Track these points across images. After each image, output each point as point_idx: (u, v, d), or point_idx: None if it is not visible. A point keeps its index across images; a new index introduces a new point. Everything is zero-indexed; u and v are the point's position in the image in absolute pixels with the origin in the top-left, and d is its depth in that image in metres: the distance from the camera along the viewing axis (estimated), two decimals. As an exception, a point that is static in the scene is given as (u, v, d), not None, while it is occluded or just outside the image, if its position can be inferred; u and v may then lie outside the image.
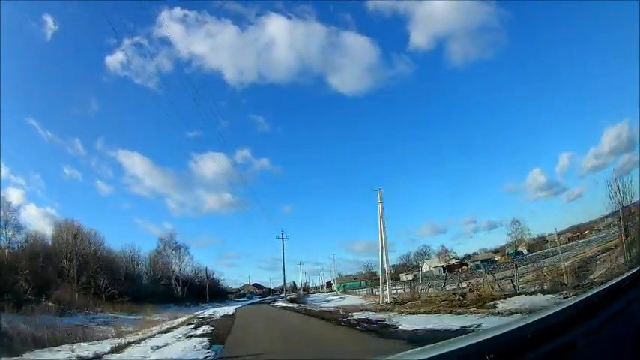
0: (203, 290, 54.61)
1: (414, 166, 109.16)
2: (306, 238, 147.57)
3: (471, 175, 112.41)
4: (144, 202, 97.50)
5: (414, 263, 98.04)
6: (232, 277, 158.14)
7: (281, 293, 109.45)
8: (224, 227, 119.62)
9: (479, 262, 72.95)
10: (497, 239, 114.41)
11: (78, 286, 28.72)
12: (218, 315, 26.27)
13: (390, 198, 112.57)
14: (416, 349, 2.09)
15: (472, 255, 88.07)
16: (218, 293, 64.38)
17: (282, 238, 56.55)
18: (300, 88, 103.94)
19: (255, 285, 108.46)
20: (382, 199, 26.04)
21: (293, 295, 72.80)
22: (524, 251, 67.80)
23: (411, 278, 73.05)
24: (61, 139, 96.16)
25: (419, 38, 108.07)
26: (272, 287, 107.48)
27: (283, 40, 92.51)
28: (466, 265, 77.09)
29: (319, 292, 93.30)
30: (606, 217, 30.38)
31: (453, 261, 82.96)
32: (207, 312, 31.40)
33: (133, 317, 24.19)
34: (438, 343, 2.15)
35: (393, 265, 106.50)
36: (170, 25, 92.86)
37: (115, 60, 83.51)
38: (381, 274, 26.54)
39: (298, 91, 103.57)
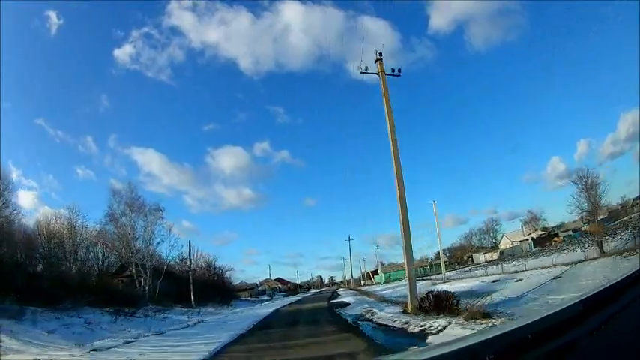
0: (191, 286, 34.14)
1: (434, 155, 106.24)
2: (329, 233, 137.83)
3: (490, 164, 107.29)
4: (161, 200, 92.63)
5: (478, 243, 78.21)
6: (255, 274, 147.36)
7: (309, 289, 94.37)
8: (245, 223, 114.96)
9: (571, 233, 60.75)
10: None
11: None
12: None
13: (411, 188, 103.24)
14: (416, 349, 2.08)
15: (560, 225, 66.92)
16: (221, 290, 44.05)
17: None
18: (318, 75, 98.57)
19: (278, 280, 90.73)
20: None
21: (342, 291, 53.68)
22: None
23: (495, 258, 54.21)
24: (72, 139, 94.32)
25: (438, 21, 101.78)
26: (299, 282, 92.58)
27: (299, 26, 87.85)
28: (557, 235, 60.62)
29: (367, 284, 73.04)
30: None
31: (540, 232, 61.59)
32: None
33: None
34: (438, 343, 2.21)
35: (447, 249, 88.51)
36: (180, 14, 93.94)
37: (123, 53, 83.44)
38: None
39: (317, 79, 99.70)
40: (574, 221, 69.93)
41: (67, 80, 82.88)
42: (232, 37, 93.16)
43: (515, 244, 60.87)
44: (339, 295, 44.32)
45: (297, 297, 58.55)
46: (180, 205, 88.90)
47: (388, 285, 51.13)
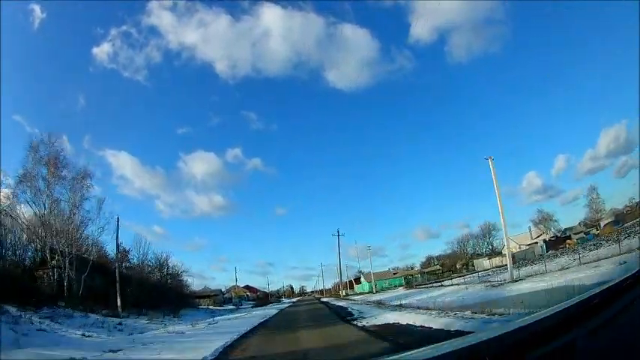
0: (117, 284, 23.96)
1: (408, 167, 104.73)
2: (299, 242, 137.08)
3: (464, 177, 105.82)
4: (133, 204, 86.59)
5: (472, 250, 71.60)
6: (226, 282, 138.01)
7: (280, 299, 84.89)
8: (215, 230, 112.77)
9: (583, 235, 57.03)
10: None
11: None
12: None
13: (383, 200, 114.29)
14: (416, 349, 1.95)
15: (570, 228, 61.46)
16: (173, 296, 34.07)
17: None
18: (295, 82, 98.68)
19: (247, 287, 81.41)
20: None
21: (338, 302, 41.13)
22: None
23: (504, 263, 47.13)
24: (48, 137, 77.45)
25: (419, 30, 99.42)
26: (270, 291, 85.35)
27: (279, 32, 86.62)
28: (570, 238, 55.92)
29: (350, 294, 64.00)
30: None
31: (550, 235, 55.62)
32: None
33: None
34: (438, 343, 2.13)
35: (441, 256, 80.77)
36: (159, 13, 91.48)
37: (102, 51, 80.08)
38: None
39: (293, 86, 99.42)
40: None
41: (47, 76, 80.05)
42: (210, 40, 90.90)
43: (524, 247, 54.05)
44: (356, 311, 20.69)
45: (270, 310, 37.61)
46: (151, 209, 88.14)
47: (385, 295, 40.57)
